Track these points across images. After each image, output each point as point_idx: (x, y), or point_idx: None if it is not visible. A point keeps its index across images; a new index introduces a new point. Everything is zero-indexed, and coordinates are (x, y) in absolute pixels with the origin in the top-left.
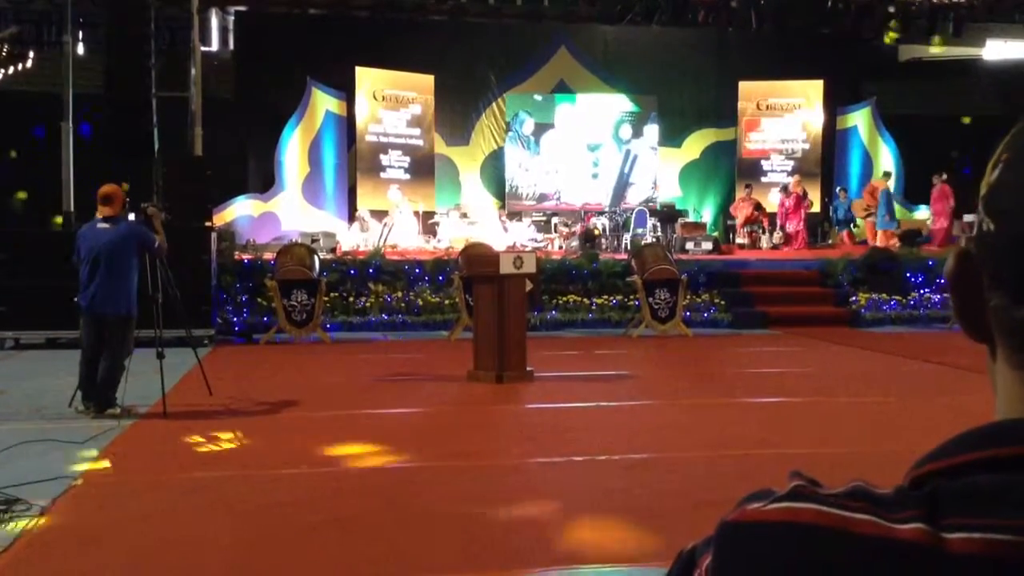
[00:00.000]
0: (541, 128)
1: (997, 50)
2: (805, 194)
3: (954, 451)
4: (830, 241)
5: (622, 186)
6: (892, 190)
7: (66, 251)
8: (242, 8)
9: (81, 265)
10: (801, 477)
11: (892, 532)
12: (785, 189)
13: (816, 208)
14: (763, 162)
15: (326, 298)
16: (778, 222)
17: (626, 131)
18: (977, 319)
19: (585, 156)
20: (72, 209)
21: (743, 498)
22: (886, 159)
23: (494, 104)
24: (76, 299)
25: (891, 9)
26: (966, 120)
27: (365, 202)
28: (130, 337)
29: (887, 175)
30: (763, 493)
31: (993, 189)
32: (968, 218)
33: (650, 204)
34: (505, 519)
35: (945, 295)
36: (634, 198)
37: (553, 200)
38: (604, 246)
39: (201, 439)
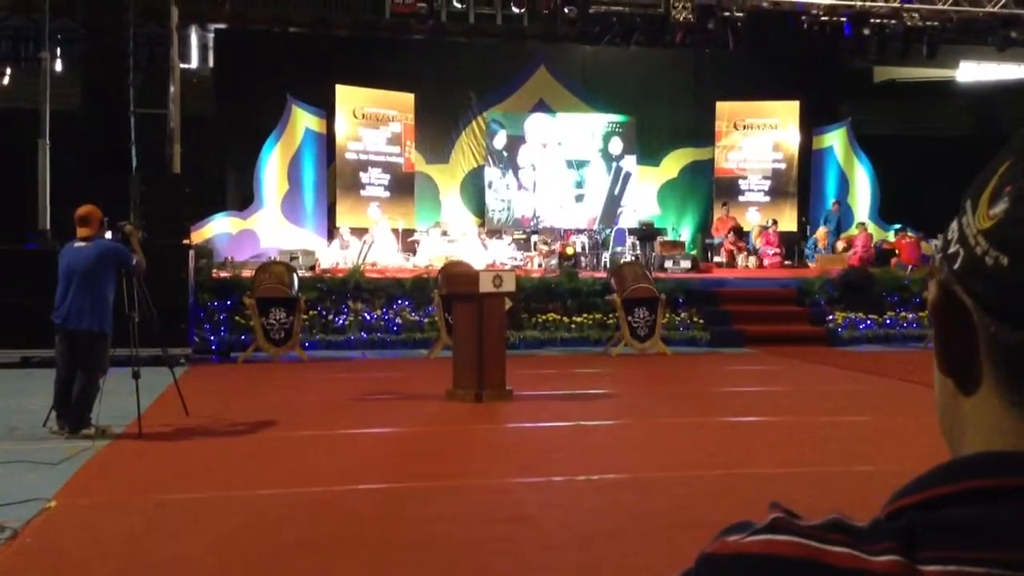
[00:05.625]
0: (515, 142)
1: (970, 72)
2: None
3: (929, 484)
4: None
5: (611, 210)
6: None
7: (41, 270)
8: (222, 25)
9: (58, 284)
10: (780, 509)
11: (868, 564)
12: (774, 223)
13: (792, 227)
14: (740, 181)
15: (305, 316)
16: (754, 246)
17: (616, 145)
18: (961, 349)
19: (567, 176)
20: (48, 227)
21: (722, 530)
22: (862, 179)
23: (474, 123)
24: (52, 317)
25: (866, 31)
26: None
27: (345, 220)
28: (105, 356)
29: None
30: (742, 525)
31: (1004, 223)
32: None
33: (644, 225)
34: (484, 539)
35: (919, 314)
36: (627, 223)
37: (530, 226)
38: (583, 264)
39: (177, 459)
